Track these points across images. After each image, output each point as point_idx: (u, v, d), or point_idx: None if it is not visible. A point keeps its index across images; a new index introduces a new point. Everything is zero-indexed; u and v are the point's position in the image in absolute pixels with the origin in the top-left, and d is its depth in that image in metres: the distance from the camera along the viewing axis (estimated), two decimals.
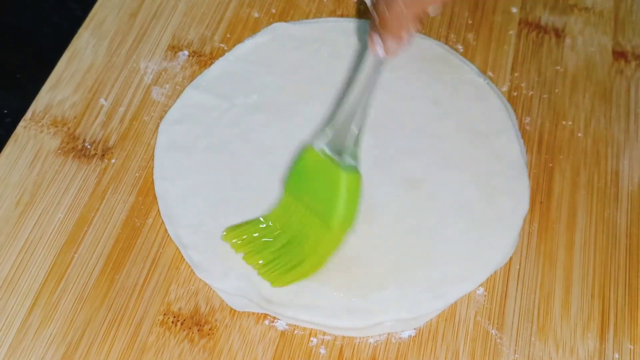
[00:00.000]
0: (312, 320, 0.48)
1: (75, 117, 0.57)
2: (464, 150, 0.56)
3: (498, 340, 0.49)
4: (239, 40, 0.62)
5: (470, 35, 0.63)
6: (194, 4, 0.64)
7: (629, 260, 0.52)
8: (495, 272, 0.51)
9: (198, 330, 0.48)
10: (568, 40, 0.63)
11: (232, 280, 0.49)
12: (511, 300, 0.50)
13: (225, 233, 0.50)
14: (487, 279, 0.51)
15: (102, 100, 0.58)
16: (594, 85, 0.61)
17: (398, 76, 0.58)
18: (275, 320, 0.49)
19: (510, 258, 0.52)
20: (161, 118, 0.57)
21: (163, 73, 0.60)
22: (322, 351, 0.48)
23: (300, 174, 0.48)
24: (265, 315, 0.49)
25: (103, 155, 0.55)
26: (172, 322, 0.48)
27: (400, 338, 0.48)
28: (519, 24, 0.64)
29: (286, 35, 0.62)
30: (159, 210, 0.53)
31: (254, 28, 0.63)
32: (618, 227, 0.54)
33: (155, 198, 0.53)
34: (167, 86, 0.59)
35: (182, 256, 0.51)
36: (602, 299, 0.50)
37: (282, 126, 0.56)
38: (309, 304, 0.48)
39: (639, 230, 0.53)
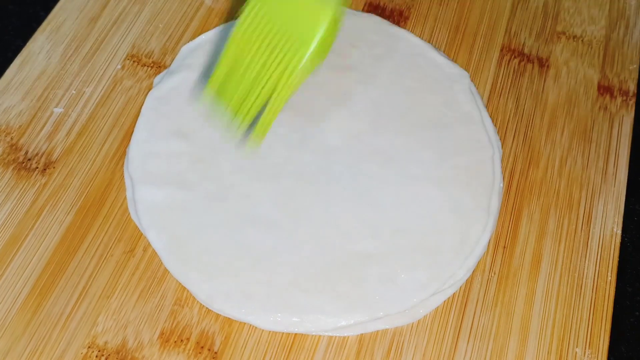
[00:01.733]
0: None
1: (20, 127, 0.55)
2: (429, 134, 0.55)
3: None
4: None
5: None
6: (160, 11, 0.61)
7: (593, 316, 0.49)
8: (448, 318, 0.48)
9: None
10: (552, 71, 0.60)
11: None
12: (461, 350, 0.47)
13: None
14: (439, 325, 0.48)
15: (55, 110, 0.55)
16: (574, 121, 0.57)
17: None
18: None
19: (465, 305, 0.49)
20: (110, 132, 0.55)
21: (118, 84, 0.57)
22: None
23: None
24: (198, 354, 0.46)
25: (44, 169, 0.53)
26: (96, 357, 0.45)
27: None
28: (501, 50, 0.61)
29: None
30: (96, 233, 0.50)
31: None
32: (584, 278, 0.50)
33: (94, 220, 0.51)
34: (122, 98, 0.56)
35: (114, 285, 0.48)
36: (559, 357, 0.47)
37: None
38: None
39: (606, 283, 0.50)
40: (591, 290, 0.50)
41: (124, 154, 0.54)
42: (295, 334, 0.47)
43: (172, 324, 0.47)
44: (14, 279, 0.48)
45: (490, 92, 0.58)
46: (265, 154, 0.53)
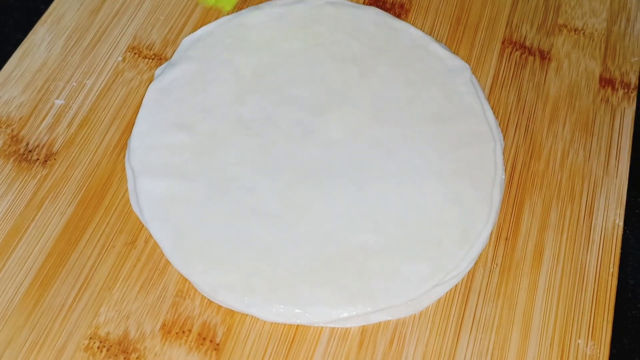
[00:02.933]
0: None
1: (21, 119, 0.54)
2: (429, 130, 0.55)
3: None
4: None
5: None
6: (161, 2, 0.61)
7: (595, 308, 0.49)
8: (450, 310, 0.48)
9: (124, 359, 0.45)
10: (553, 63, 0.60)
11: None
12: (464, 342, 0.47)
13: None
14: (441, 317, 0.48)
15: (56, 101, 0.55)
16: (576, 113, 0.57)
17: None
18: (211, 353, 0.46)
19: (467, 297, 0.49)
20: (111, 124, 0.54)
21: (119, 76, 0.57)
22: None
23: None
24: (199, 345, 0.46)
25: (45, 161, 0.53)
26: (98, 348, 0.45)
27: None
28: (503, 42, 0.61)
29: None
30: (97, 224, 0.50)
31: None
32: (586, 270, 0.50)
33: (95, 211, 0.50)
34: (123, 90, 0.56)
35: (116, 276, 0.48)
36: (562, 349, 0.47)
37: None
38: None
39: (608, 275, 0.50)
40: (593, 282, 0.50)
41: (125, 145, 0.54)
42: (298, 325, 0.47)
43: (174, 315, 0.47)
44: (15, 270, 0.48)
45: (491, 84, 0.58)
46: (268, 147, 0.53)
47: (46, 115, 0.55)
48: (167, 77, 0.56)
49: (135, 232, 0.50)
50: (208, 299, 0.48)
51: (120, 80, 0.57)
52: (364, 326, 0.47)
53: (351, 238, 0.50)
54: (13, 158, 0.53)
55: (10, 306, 0.47)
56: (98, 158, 0.53)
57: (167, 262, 0.49)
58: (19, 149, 0.53)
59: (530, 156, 0.55)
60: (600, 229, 0.52)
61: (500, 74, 0.59)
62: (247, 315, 0.47)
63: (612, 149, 0.55)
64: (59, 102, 0.55)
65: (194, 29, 0.59)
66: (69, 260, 0.48)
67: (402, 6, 0.62)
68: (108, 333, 0.46)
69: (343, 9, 0.61)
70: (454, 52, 0.59)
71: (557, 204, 0.53)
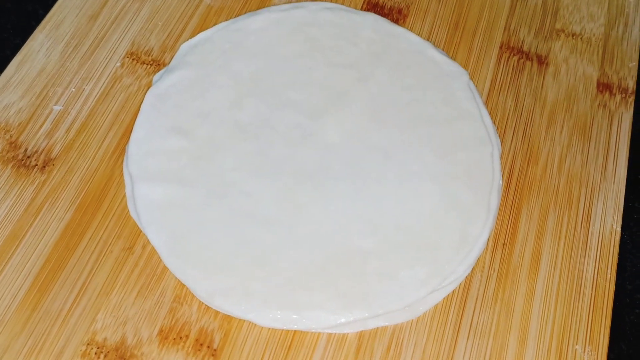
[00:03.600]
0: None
1: (19, 124, 0.55)
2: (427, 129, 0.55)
3: None
4: None
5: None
6: (159, 8, 0.61)
7: (592, 314, 0.49)
8: (447, 315, 0.48)
9: None
10: (551, 68, 0.60)
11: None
12: (461, 348, 0.47)
13: None
14: (438, 323, 0.48)
15: (55, 107, 0.55)
16: (573, 119, 0.57)
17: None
18: (209, 359, 0.46)
19: (465, 302, 0.49)
20: (110, 130, 0.55)
21: (117, 82, 0.57)
22: None
23: None
24: (197, 351, 0.46)
25: (44, 166, 0.53)
26: (95, 354, 0.45)
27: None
28: (501, 47, 0.61)
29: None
30: (95, 229, 0.50)
31: None
32: (584, 276, 0.50)
33: (93, 217, 0.50)
34: (121, 96, 0.56)
35: (113, 282, 0.48)
36: (559, 355, 0.47)
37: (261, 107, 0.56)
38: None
39: (605, 281, 0.50)
40: (591, 288, 0.50)
41: (123, 151, 0.54)
42: (295, 331, 0.47)
43: (171, 321, 0.47)
44: (13, 275, 0.48)
45: (489, 89, 0.58)
46: (266, 151, 0.53)
47: (45, 120, 0.55)
48: (165, 83, 0.56)
49: (133, 238, 0.50)
50: (205, 305, 0.48)
51: (119, 86, 0.57)
52: (361, 332, 0.47)
53: (348, 242, 0.50)
54: (11, 164, 0.53)
55: (7, 312, 0.47)
56: (96, 164, 0.53)
57: (165, 268, 0.49)
58: (18, 155, 0.53)
59: (528, 161, 0.55)
60: (597, 234, 0.52)
61: (498, 79, 0.59)
62: (244, 320, 0.48)
63: (609, 153, 0.55)
64: (57, 107, 0.56)
65: (192, 35, 0.60)
66: (67, 265, 0.49)
67: (400, 11, 0.62)
68: (105, 339, 0.46)
69: (341, 15, 0.61)
70: (451, 57, 0.59)
71: (555, 209, 0.53)
